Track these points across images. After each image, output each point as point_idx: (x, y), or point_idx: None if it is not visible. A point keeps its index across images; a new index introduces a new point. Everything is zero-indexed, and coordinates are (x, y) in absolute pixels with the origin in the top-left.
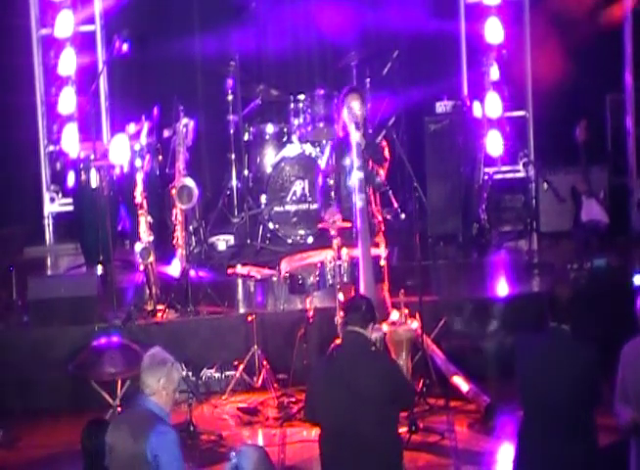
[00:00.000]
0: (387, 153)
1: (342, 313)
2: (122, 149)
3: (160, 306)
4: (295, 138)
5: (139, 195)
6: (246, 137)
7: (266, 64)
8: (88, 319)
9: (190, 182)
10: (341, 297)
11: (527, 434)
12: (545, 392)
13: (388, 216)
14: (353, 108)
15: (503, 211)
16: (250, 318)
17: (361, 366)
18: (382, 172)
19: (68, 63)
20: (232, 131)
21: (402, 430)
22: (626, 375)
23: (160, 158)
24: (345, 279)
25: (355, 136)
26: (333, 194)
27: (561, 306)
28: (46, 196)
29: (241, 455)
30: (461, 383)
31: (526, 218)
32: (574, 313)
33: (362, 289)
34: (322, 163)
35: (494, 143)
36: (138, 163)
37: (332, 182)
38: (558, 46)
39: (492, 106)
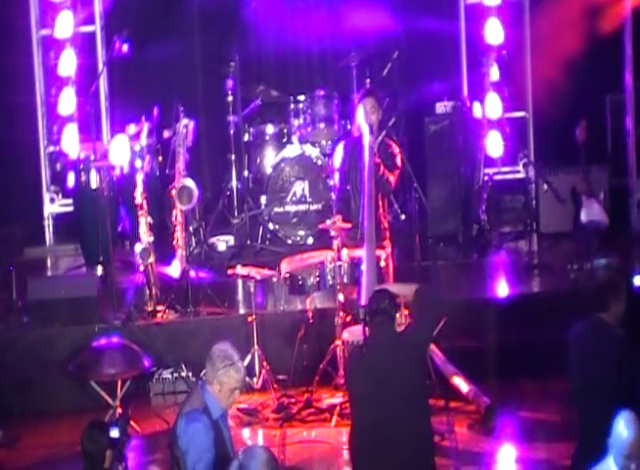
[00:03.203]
0: (399, 160)
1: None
2: (122, 150)
3: (159, 307)
4: (295, 139)
5: (139, 196)
6: (246, 138)
7: (266, 64)
8: (88, 320)
9: (190, 183)
10: (341, 298)
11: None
12: (581, 376)
13: (389, 217)
14: (368, 111)
15: (503, 211)
16: (249, 319)
17: (394, 359)
18: (392, 179)
19: (68, 63)
20: (232, 132)
21: None
22: None
23: (161, 158)
24: (346, 280)
25: (368, 139)
26: (333, 195)
27: (592, 295)
28: (46, 196)
29: (247, 455)
30: (461, 383)
31: (527, 219)
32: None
33: (364, 290)
34: (336, 161)
35: (494, 144)
36: (138, 163)
37: (331, 182)
38: (558, 46)
39: (492, 106)
